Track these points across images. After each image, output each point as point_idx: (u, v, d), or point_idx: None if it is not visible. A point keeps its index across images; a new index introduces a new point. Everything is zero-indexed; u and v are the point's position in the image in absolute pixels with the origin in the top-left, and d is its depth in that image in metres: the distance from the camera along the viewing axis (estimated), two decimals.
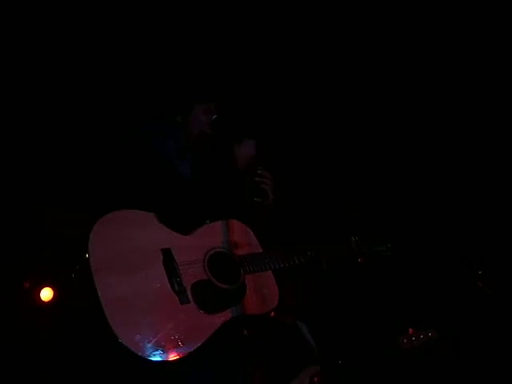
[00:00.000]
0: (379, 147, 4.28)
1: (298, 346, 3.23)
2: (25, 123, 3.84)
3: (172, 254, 2.23)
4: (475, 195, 4.11)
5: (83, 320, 2.23)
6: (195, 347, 2.09)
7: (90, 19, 3.62)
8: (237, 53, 3.93)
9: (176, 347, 2.08)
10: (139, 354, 2.01)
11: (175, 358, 2.06)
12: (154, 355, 2.03)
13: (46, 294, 4.18)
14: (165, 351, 2.06)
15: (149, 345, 2.03)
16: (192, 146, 2.54)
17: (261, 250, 2.45)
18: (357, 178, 4.37)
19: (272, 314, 2.45)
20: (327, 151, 4.34)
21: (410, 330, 3.21)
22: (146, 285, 2.15)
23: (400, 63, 4.03)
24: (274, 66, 4.02)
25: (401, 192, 4.26)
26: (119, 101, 3.83)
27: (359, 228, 3.19)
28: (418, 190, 4.25)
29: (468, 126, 4.09)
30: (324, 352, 3.33)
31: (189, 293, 2.19)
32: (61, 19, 3.57)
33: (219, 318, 2.20)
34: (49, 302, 4.19)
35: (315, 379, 3.09)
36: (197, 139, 2.56)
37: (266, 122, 4.08)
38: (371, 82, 4.12)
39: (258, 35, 3.90)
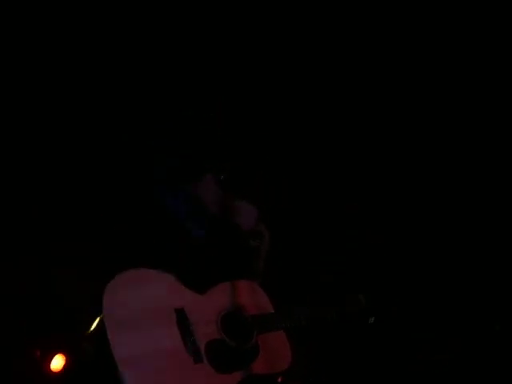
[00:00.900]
0: (379, 147, 4.27)
1: None
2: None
3: (185, 314, 2.28)
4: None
5: (96, 382, 2.25)
6: None
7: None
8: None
9: None
10: None
11: None
12: None
13: (57, 362, 4.10)
14: None
15: None
16: (204, 212, 2.58)
17: (272, 310, 2.51)
18: (357, 178, 4.36)
19: (279, 379, 2.47)
20: (327, 151, 4.33)
21: None
22: (161, 344, 2.18)
23: (400, 63, 4.03)
24: (272, 64, 4.02)
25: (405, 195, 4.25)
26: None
27: (365, 282, 3.21)
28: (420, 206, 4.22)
29: (472, 126, 4.08)
30: None
31: (202, 352, 2.23)
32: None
33: (233, 378, 2.24)
34: (59, 371, 4.11)
35: None
36: (209, 206, 2.59)
37: (266, 122, 4.09)
38: (371, 81, 4.11)
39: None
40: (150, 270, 2.27)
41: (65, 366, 3.94)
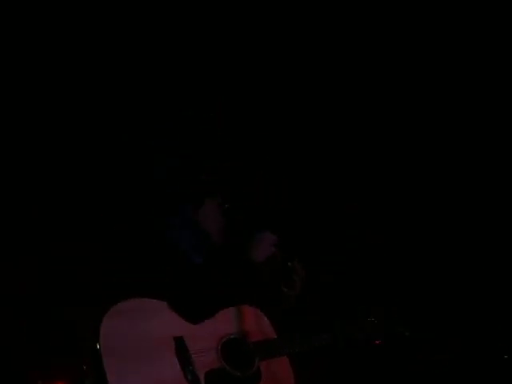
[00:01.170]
0: (379, 147, 4.27)
1: None
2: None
3: (184, 343, 2.23)
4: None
5: None
6: None
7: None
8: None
9: None
10: None
11: None
12: None
13: None
14: None
15: None
16: (203, 239, 2.55)
17: (275, 336, 2.46)
18: (357, 178, 4.36)
19: None
20: (327, 151, 4.33)
21: None
22: (159, 375, 2.13)
23: (400, 63, 4.03)
24: (272, 64, 4.02)
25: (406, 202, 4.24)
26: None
27: (378, 307, 3.17)
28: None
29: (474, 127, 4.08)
30: None
31: (202, 382, 2.18)
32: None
33: None
34: None
35: None
36: (210, 234, 2.57)
37: (266, 122, 4.09)
38: (371, 81, 4.11)
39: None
40: (147, 300, 2.24)
41: None
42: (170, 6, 3.76)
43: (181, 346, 2.19)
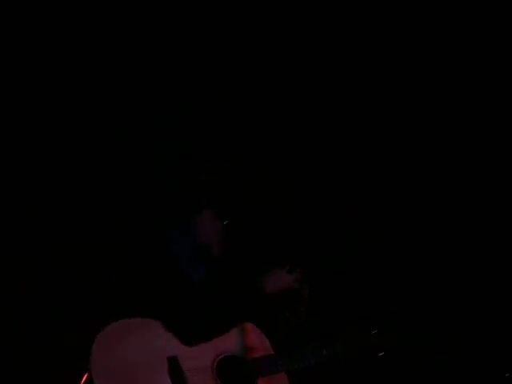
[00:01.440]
0: (379, 147, 4.27)
1: None
2: None
3: (178, 362, 2.21)
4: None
5: None
6: None
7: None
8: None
9: None
10: None
11: None
12: None
13: None
14: None
15: None
16: (204, 252, 2.53)
17: (272, 352, 2.44)
18: (357, 178, 4.35)
19: None
20: (327, 151, 4.33)
21: None
22: None
23: (400, 63, 4.03)
24: (272, 64, 4.02)
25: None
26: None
27: (379, 318, 3.14)
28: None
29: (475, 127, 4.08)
30: None
31: None
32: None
33: None
34: None
35: None
36: (208, 246, 2.55)
37: (266, 122, 4.09)
38: (371, 81, 4.11)
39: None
40: (140, 319, 2.23)
41: None
42: (170, 6, 3.76)
43: (174, 366, 2.17)
